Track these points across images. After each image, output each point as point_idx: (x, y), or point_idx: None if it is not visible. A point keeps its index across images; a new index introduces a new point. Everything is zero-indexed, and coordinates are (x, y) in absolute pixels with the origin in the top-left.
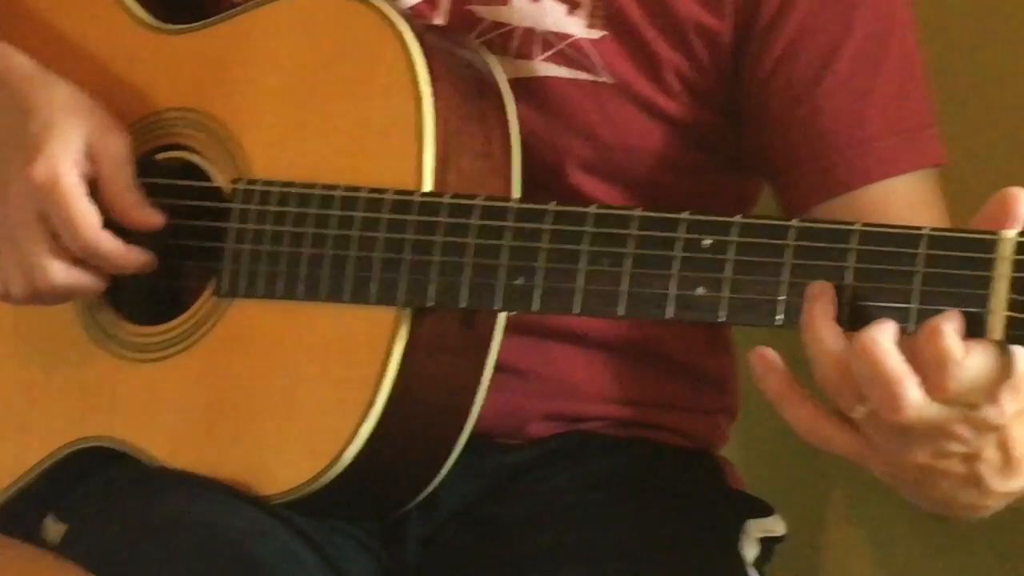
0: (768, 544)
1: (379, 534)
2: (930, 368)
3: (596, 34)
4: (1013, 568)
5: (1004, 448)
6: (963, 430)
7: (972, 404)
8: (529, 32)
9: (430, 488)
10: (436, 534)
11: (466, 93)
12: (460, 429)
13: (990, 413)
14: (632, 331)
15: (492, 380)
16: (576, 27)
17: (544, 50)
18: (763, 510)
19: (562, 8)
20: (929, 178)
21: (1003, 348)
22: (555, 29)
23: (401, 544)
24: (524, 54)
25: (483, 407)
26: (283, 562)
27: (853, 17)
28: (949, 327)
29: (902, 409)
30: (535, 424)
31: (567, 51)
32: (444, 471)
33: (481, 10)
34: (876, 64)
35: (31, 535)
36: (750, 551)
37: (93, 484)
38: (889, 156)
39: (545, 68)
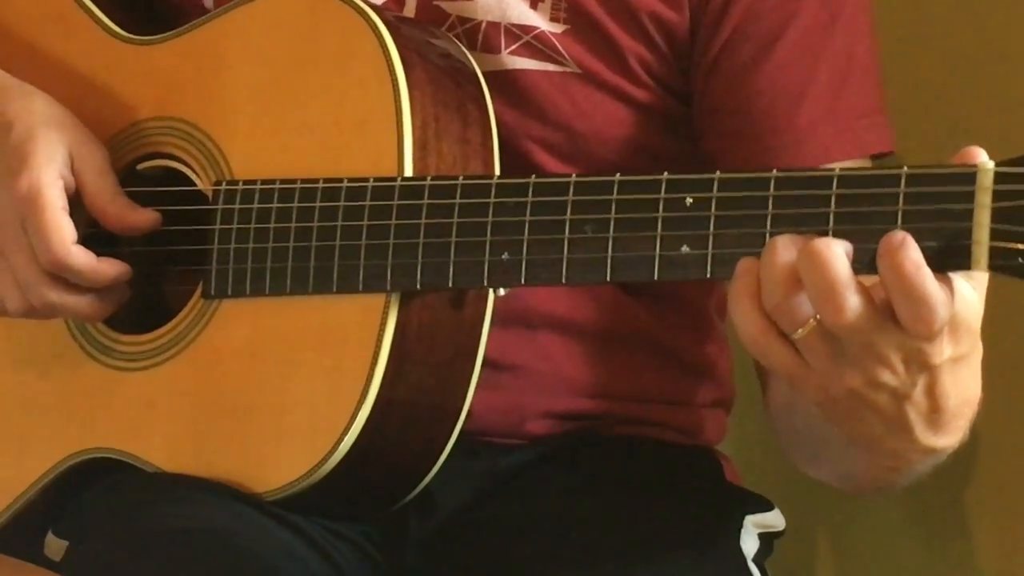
0: (768, 539)
1: (378, 537)
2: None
3: (559, 28)
4: (1008, 561)
5: (932, 395)
6: (896, 359)
7: (913, 335)
8: (494, 26)
9: (427, 479)
10: (435, 536)
11: (442, 81)
12: (456, 415)
13: (924, 347)
14: (625, 321)
15: (488, 378)
16: (539, 20)
17: (510, 42)
18: (762, 505)
19: (524, 2)
20: (866, 166)
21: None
22: (519, 22)
23: (400, 547)
24: (491, 48)
25: (480, 407)
26: (286, 563)
27: (799, 4)
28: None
29: (843, 311)
30: (533, 422)
31: (533, 43)
32: (441, 460)
33: (447, 6)
34: (818, 51)
35: (34, 553)
36: (750, 546)
37: (92, 498)
38: (825, 143)
39: (512, 60)
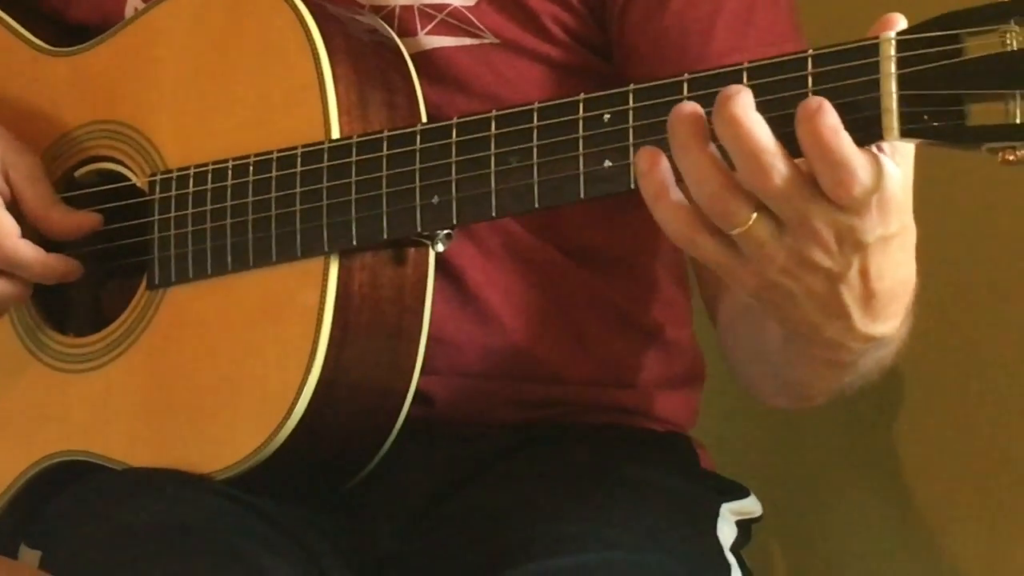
0: (745, 526)
1: (351, 526)
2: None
3: (471, 1)
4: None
5: (866, 276)
6: (829, 236)
7: (839, 207)
8: (407, 9)
9: (385, 447)
10: (404, 527)
11: (362, 50)
12: (408, 378)
13: (855, 222)
14: (573, 287)
15: (449, 363)
16: None
17: (426, 23)
18: (738, 492)
19: None
20: None
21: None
22: (432, 0)
23: (372, 536)
24: (407, 31)
25: (444, 393)
26: (265, 555)
27: None
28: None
29: (771, 175)
30: (499, 410)
31: (448, 20)
32: (396, 427)
33: None
34: None
35: None
36: (727, 534)
37: (62, 504)
38: None
39: (430, 40)
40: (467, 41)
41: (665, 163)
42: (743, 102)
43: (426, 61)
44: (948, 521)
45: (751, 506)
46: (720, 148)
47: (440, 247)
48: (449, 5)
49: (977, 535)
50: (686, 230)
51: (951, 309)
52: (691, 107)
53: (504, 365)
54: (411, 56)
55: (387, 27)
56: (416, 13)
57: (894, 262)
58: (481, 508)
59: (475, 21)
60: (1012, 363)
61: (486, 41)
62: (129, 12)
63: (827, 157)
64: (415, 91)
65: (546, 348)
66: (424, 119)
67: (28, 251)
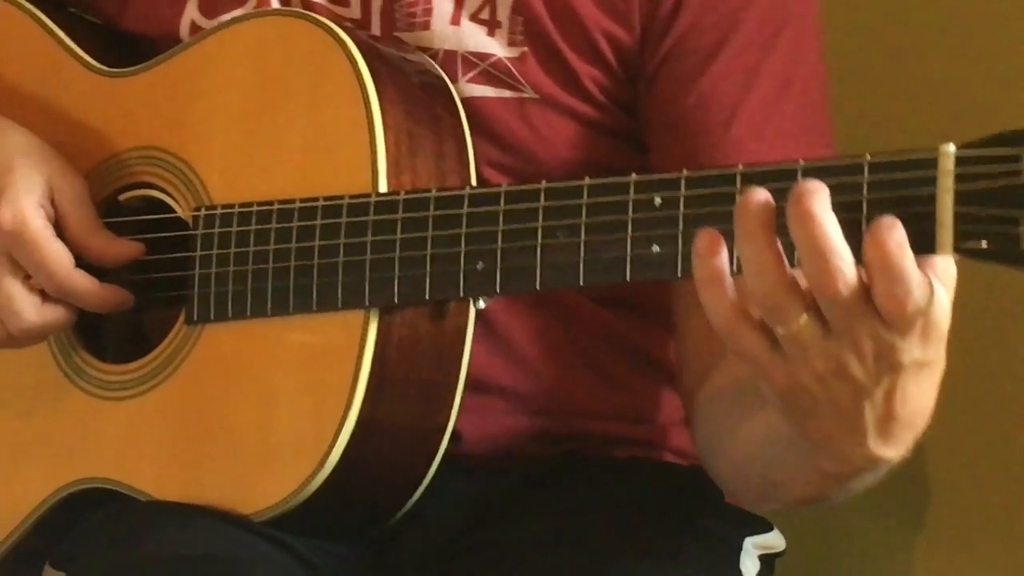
0: (769, 560)
1: (373, 560)
2: (872, 269)
3: (516, 52)
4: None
5: (890, 397)
6: (868, 349)
7: (887, 322)
8: (451, 54)
9: (416, 496)
10: (430, 559)
11: (414, 97)
12: (442, 429)
13: (896, 340)
14: (602, 331)
15: (476, 402)
16: (496, 47)
17: (467, 71)
18: (762, 526)
19: (482, 30)
20: None
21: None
22: (476, 50)
23: (395, 569)
24: (449, 76)
25: (471, 431)
26: None
27: (740, 19)
28: (895, 232)
29: (835, 276)
30: (525, 445)
31: (490, 70)
32: (429, 476)
33: (407, 36)
34: (753, 70)
35: None
36: (750, 568)
37: (88, 528)
38: (754, 161)
39: (470, 88)
40: (506, 93)
41: (725, 251)
42: (821, 200)
43: (464, 108)
44: (973, 555)
45: (774, 540)
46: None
47: (481, 304)
48: (493, 56)
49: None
50: (731, 321)
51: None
52: (764, 195)
53: (530, 402)
54: None
55: (439, 70)
56: (459, 60)
57: (920, 390)
58: (504, 541)
59: (517, 74)
60: None
61: (525, 95)
62: (184, 26)
63: (889, 271)
64: (464, 136)
65: (572, 386)
66: (473, 169)
67: (83, 281)
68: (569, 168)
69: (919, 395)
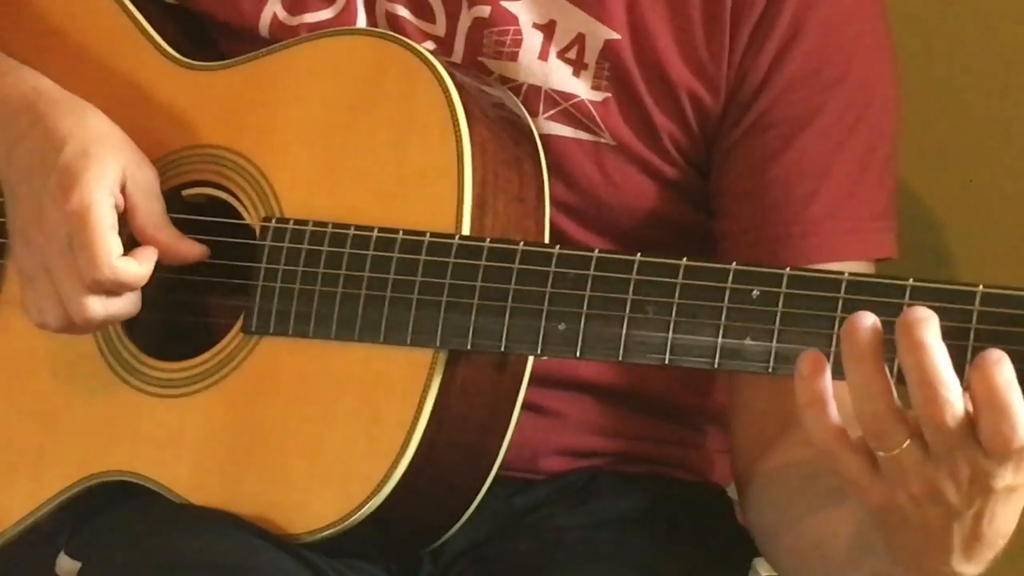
0: None
1: (392, 573)
2: (978, 403)
3: (599, 96)
4: None
5: (979, 519)
6: (964, 474)
7: (988, 453)
8: (535, 89)
9: (453, 531)
10: (445, 573)
11: (502, 137)
12: (487, 472)
13: (992, 467)
14: (640, 379)
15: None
16: (581, 88)
17: (548, 108)
18: None
19: (568, 69)
20: (869, 270)
21: None
22: (560, 88)
23: None
24: (529, 111)
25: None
26: None
27: (828, 97)
28: (1004, 368)
29: (945, 408)
30: (547, 459)
31: (571, 111)
32: (468, 513)
33: (491, 63)
34: (838, 147)
35: (44, 572)
36: None
37: (108, 521)
38: (833, 241)
39: (548, 126)
40: (584, 136)
41: (828, 373)
42: (932, 329)
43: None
44: None
45: None
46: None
47: (545, 356)
48: (577, 97)
49: None
50: (833, 444)
51: None
52: (873, 320)
53: (556, 423)
54: None
55: (525, 111)
56: (542, 96)
57: (1008, 512)
58: (517, 555)
59: (598, 119)
60: None
61: (602, 140)
62: (265, 19)
63: (996, 407)
64: (543, 181)
65: (598, 415)
66: (548, 215)
67: (128, 268)
68: (635, 219)
69: (1005, 517)
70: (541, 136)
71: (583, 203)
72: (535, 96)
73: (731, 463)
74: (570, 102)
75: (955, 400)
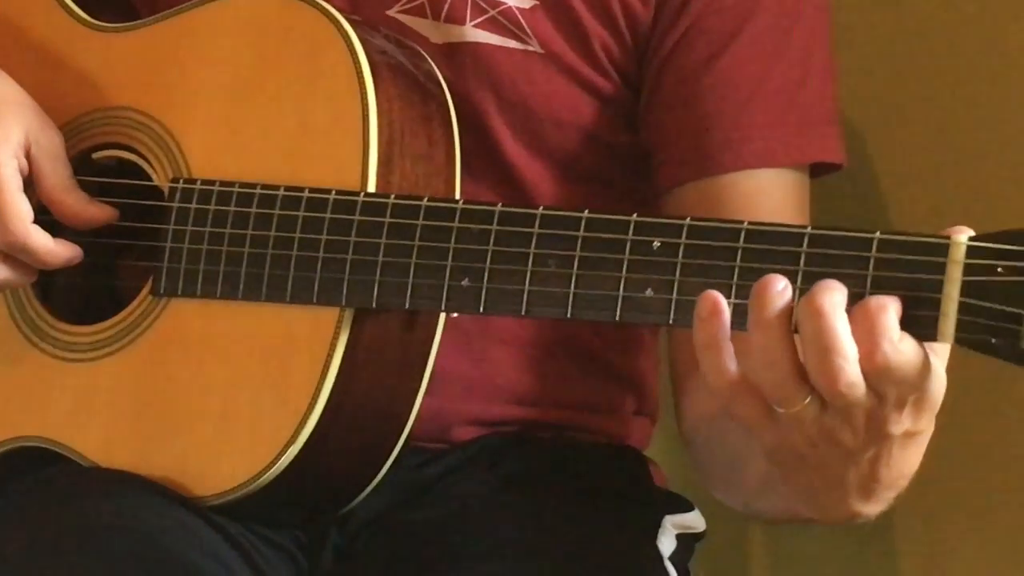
0: (687, 540)
1: (301, 543)
2: (866, 340)
3: (527, 3)
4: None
5: (876, 462)
6: (860, 420)
7: (880, 395)
8: None
9: (363, 495)
10: (351, 544)
11: (410, 96)
12: (398, 435)
13: (889, 412)
14: (562, 332)
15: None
16: None
17: (476, 16)
18: (683, 506)
19: None
20: (805, 179)
21: (927, 359)
22: None
23: (321, 554)
24: (455, 19)
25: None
26: (210, 564)
27: (758, 4)
28: (893, 305)
29: (838, 378)
30: (459, 428)
31: (498, 18)
32: (378, 478)
33: None
34: (774, 53)
35: None
36: (667, 546)
37: (21, 488)
38: (770, 146)
39: (475, 34)
40: (512, 43)
41: (727, 315)
42: (835, 300)
43: (466, 52)
44: (898, 532)
45: (694, 521)
46: None
47: (455, 313)
48: (503, 4)
49: (923, 547)
50: (728, 389)
51: None
52: (784, 284)
53: (469, 390)
54: (452, 45)
55: (436, 69)
56: (469, 3)
57: (905, 455)
58: (422, 522)
59: (525, 25)
60: None
61: (530, 49)
62: None
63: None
64: (453, 142)
65: (513, 377)
66: (459, 174)
67: (39, 238)
68: (567, 134)
69: (904, 460)
70: (469, 44)
71: (514, 116)
72: (461, 4)
73: (670, 373)
74: (497, 9)
75: (848, 366)
